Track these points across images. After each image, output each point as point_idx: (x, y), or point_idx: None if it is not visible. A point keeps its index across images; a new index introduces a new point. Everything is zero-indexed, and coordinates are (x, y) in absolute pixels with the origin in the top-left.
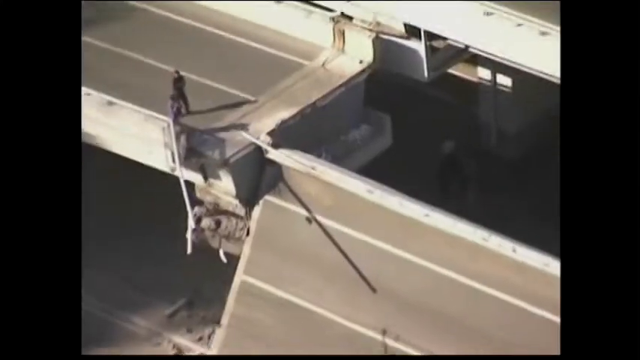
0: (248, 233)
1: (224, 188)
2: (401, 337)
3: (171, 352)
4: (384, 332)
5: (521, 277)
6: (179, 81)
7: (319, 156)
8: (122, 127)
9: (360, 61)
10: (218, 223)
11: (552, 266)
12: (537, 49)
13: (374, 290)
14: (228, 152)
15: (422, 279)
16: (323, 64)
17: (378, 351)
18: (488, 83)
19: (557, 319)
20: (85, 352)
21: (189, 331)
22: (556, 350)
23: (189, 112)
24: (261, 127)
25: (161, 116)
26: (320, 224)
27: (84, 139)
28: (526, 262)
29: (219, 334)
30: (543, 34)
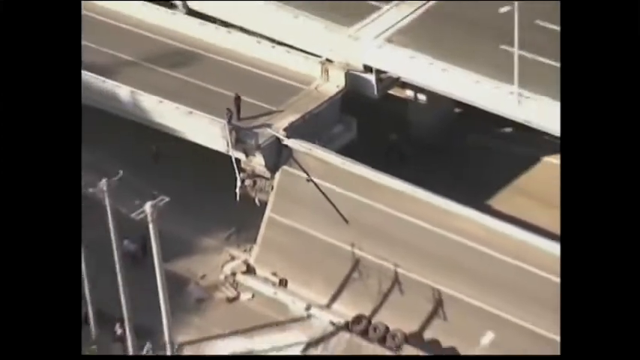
0: (273, 188)
1: (258, 162)
2: (363, 248)
3: (228, 258)
4: (352, 245)
5: (436, 215)
6: (238, 99)
7: (314, 143)
8: (198, 127)
9: (337, 86)
10: (255, 183)
11: (452, 207)
12: (440, 79)
13: (347, 221)
14: (260, 141)
15: (376, 215)
16: (315, 88)
17: (348, 256)
18: (413, 98)
19: (459, 238)
20: (176, 257)
21: (238, 246)
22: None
23: (239, 118)
24: (279, 126)
25: (220, 120)
26: (315, 183)
27: (175, 134)
28: (439, 205)
29: (256, 248)
30: (444, 70)
